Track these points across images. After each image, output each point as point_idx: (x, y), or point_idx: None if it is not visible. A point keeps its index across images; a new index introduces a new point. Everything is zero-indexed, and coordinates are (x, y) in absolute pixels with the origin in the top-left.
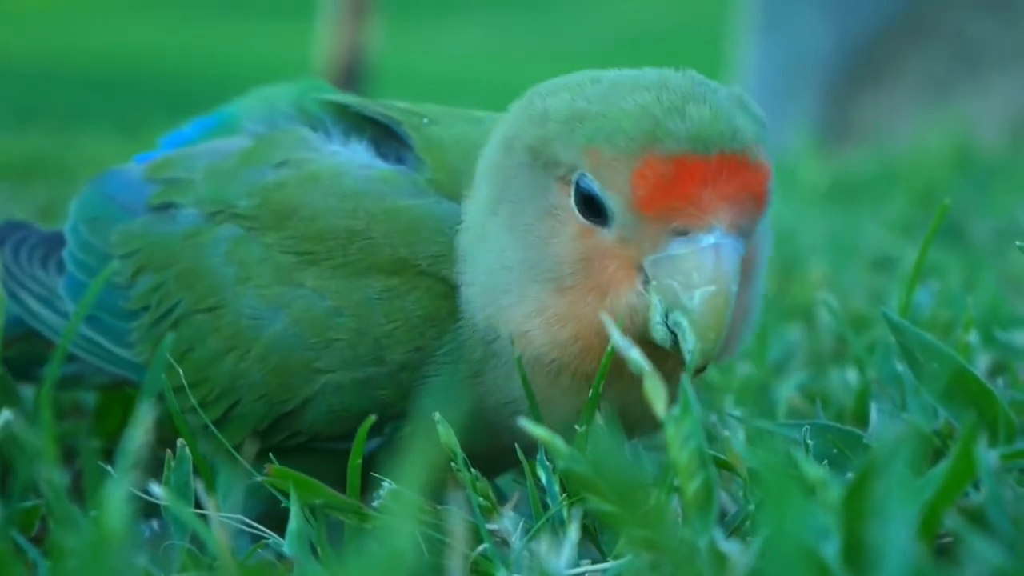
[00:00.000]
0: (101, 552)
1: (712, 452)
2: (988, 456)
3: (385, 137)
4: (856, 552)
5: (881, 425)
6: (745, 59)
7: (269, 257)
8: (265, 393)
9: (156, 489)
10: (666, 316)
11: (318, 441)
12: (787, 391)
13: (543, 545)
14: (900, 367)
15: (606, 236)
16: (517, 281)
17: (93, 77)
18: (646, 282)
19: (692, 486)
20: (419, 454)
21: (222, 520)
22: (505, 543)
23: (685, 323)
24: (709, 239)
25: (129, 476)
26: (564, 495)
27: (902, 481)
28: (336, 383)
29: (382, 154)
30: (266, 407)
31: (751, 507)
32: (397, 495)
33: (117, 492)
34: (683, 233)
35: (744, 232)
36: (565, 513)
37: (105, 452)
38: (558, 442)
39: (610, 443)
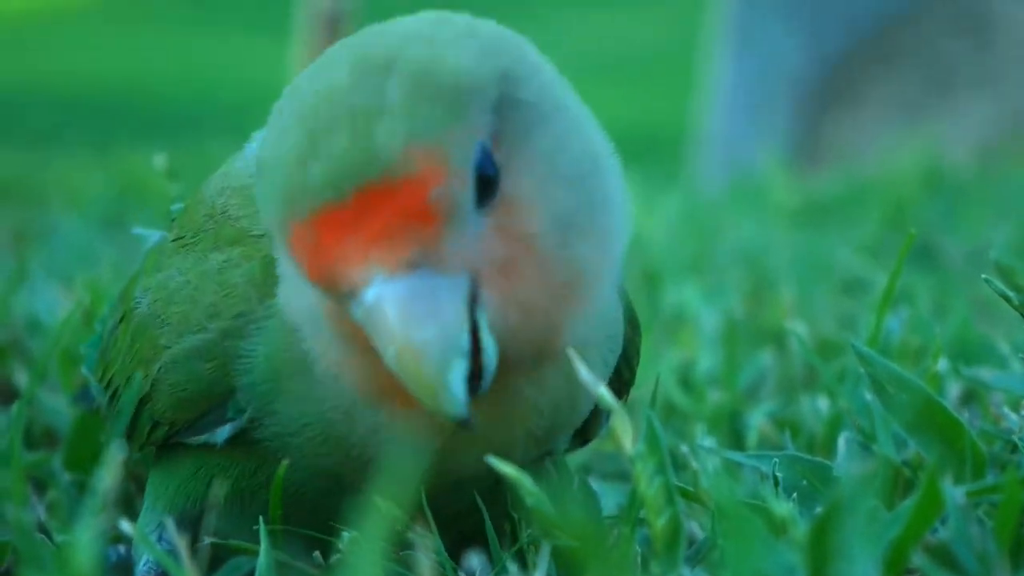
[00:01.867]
0: None
1: (680, 484)
2: (954, 492)
3: None
4: None
5: (849, 458)
6: (717, 78)
7: (161, 250)
8: (129, 377)
9: (125, 524)
10: None
11: (179, 434)
12: (758, 419)
13: None
14: (869, 397)
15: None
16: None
17: (65, 98)
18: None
19: (660, 522)
20: (379, 511)
21: (194, 556)
22: None
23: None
24: (368, 296)
25: (98, 517)
26: (528, 533)
27: (867, 519)
28: (171, 357)
29: None
30: (129, 393)
31: (719, 541)
32: (357, 544)
33: (86, 534)
34: (349, 295)
35: (427, 255)
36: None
37: (78, 483)
38: (525, 480)
39: (566, 479)
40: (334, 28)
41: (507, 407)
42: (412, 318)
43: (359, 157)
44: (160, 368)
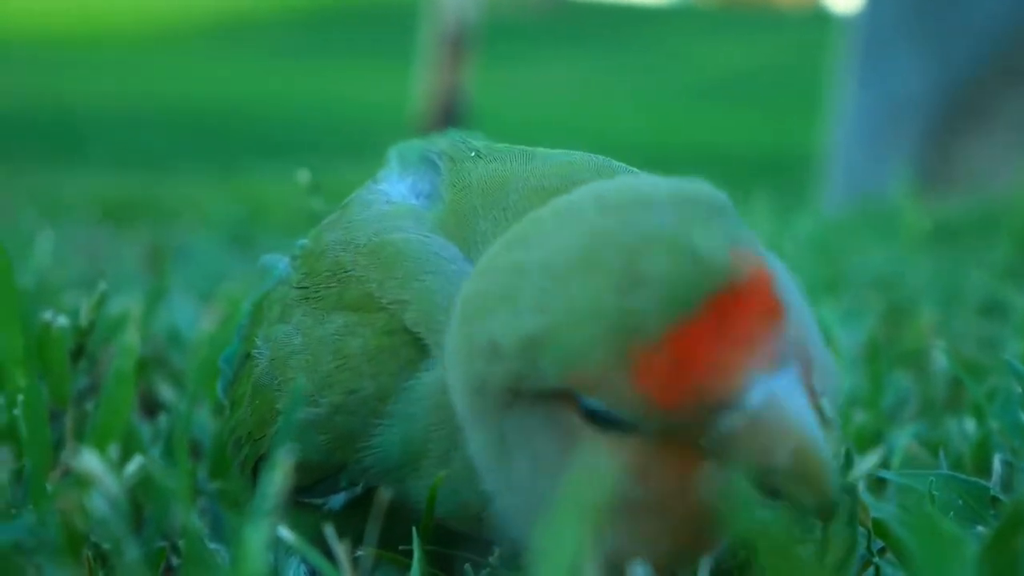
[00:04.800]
0: None
1: None
2: None
3: (433, 175)
4: None
5: (1010, 477)
6: (843, 102)
7: (287, 295)
8: (250, 431)
9: (285, 532)
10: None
11: (297, 494)
12: (903, 440)
13: None
14: (1023, 416)
15: (646, 440)
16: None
17: (185, 119)
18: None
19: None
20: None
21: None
22: None
23: (789, 486)
24: (757, 396)
25: (268, 520)
26: None
27: None
28: None
29: (420, 192)
30: (250, 449)
31: (874, 558)
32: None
33: (256, 536)
34: (728, 405)
35: (783, 350)
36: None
37: (224, 493)
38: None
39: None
40: (457, 52)
41: None
42: (803, 408)
43: (696, 269)
44: (276, 433)
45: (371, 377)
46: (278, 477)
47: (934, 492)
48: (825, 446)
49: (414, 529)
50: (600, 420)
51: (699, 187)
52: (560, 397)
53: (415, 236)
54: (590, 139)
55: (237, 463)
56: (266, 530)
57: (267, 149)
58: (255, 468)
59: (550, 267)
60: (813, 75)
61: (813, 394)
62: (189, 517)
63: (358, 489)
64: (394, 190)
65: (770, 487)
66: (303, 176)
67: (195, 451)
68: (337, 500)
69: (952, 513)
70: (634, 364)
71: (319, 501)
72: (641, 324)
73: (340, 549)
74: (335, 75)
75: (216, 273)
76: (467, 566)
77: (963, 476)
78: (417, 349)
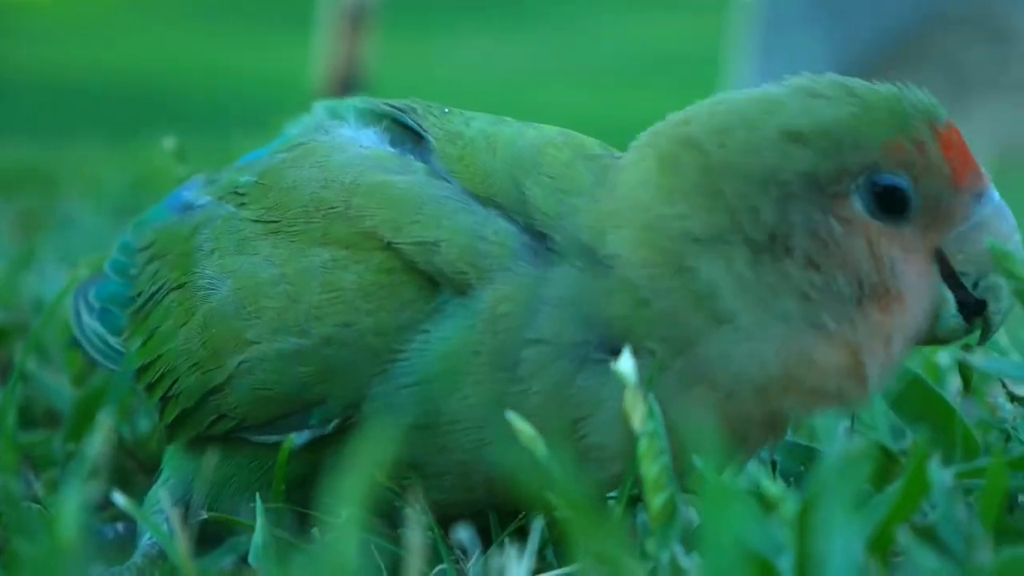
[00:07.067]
0: (56, 561)
1: None
2: (942, 474)
3: (402, 130)
4: (808, 567)
5: (836, 442)
6: (742, 82)
7: (241, 228)
8: (197, 362)
9: (119, 497)
10: (959, 300)
11: (246, 431)
12: None
13: (502, 557)
14: None
15: (906, 231)
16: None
17: (87, 89)
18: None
19: (658, 501)
20: (361, 469)
21: (184, 527)
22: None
23: (1001, 281)
24: (995, 193)
25: (85, 483)
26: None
27: (851, 498)
28: (260, 355)
29: (394, 142)
30: (196, 380)
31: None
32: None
33: (72, 499)
34: (978, 196)
35: None
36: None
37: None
38: (540, 445)
39: (564, 455)
40: (357, 24)
41: None
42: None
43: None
44: (243, 363)
45: (368, 313)
46: (98, 440)
47: (776, 458)
48: None
49: (257, 496)
50: (881, 204)
51: None
52: (838, 191)
53: (417, 179)
54: (510, 111)
55: (161, 397)
56: (85, 490)
57: (169, 119)
58: (202, 400)
59: (806, 89)
60: (717, 56)
61: None
62: (10, 480)
63: (328, 428)
64: (363, 137)
65: (984, 286)
66: (168, 144)
67: (53, 420)
68: (301, 437)
69: (792, 478)
70: (940, 141)
71: (276, 439)
72: (933, 114)
73: (174, 514)
74: (238, 46)
75: (97, 243)
76: (315, 530)
77: (803, 443)
78: (424, 287)
